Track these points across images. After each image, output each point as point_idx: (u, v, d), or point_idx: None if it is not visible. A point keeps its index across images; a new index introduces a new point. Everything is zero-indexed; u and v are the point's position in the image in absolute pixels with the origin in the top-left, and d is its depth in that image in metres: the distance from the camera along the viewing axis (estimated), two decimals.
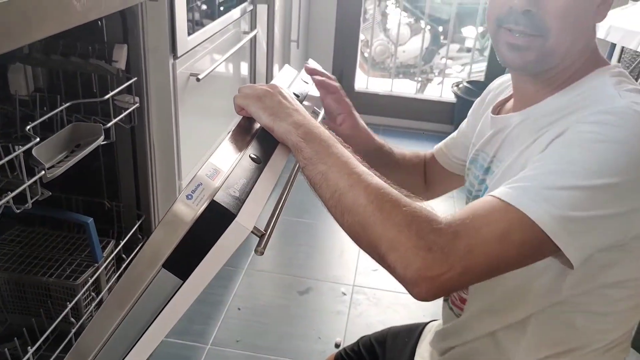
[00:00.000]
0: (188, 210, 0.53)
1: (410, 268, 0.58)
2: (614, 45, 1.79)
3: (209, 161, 0.59)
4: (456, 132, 1.02)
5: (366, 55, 3.83)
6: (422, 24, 3.71)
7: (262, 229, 0.59)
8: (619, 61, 1.79)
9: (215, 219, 0.53)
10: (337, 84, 0.92)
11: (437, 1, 3.86)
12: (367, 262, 2.09)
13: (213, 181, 0.56)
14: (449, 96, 3.30)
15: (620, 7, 1.68)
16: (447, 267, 0.57)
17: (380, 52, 3.96)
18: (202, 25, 1.49)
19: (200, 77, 1.40)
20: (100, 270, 1.22)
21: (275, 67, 2.28)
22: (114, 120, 1.11)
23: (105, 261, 1.24)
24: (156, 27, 1.23)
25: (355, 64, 3.34)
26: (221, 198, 0.54)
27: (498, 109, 0.88)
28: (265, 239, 0.59)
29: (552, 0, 0.69)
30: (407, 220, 0.59)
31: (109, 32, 1.20)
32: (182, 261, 0.53)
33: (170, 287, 0.53)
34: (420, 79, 3.75)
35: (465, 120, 1.00)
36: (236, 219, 0.53)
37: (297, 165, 0.70)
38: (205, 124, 1.65)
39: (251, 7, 1.91)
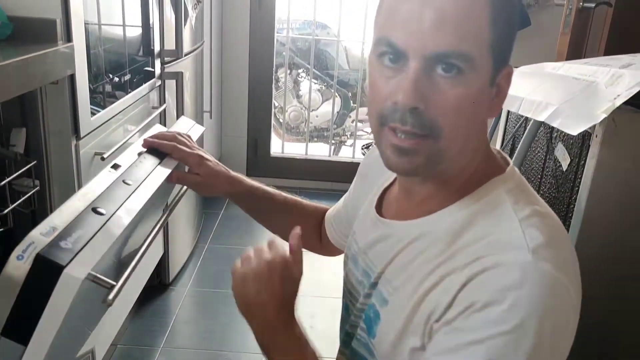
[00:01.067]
0: (18, 271, 0.51)
1: None
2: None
3: (45, 219, 0.57)
4: (342, 203, 1.01)
5: (281, 120, 3.94)
6: (332, 90, 3.88)
7: (111, 280, 0.57)
8: (506, 122, 1.95)
9: (44, 274, 0.51)
10: (170, 144, 0.93)
11: (345, 68, 4.05)
12: None
13: (46, 238, 0.54)
14: (361, 157, 3.43)
15: None
16: None
17: (295, 117, 4.08)
18: (108, 104, 1.49)
19: (105, 155, 1.39)
20: None
21: None
22: (12, 206, 1.08)
23: None
24: (57, 110, 1.23)
25: (270, 130, 3.42)
26: (48, 251, 0.52)
27: (381, 199, 0.82)
28: (115, 291, 0.57)
29: (442, 95, 0.60)
30: None
31: (5, 116, 1.19)
32: (20, 325, 0.50)
33: (13, 355, 0.50)
34: (333, 141, 3.88)
35: (349, 193, 0.99)
36: (65, 269, 0.51)
37: (161, 219, 0.74)
38: None
39: (159, 82, 1.94)
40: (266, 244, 0.72)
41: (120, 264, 0.74)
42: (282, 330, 0.71)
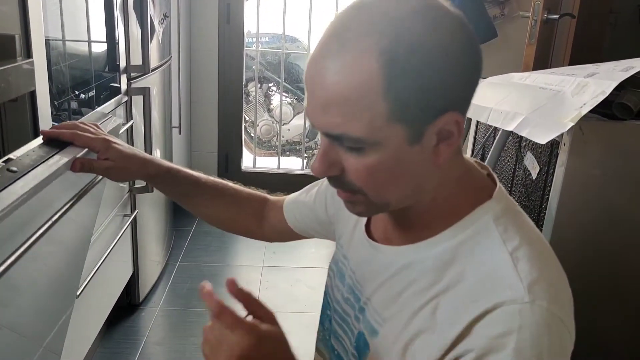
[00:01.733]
0: None
1: None
2: (469, 119, 1.97)
3: None
4: (304, 198, 0.99)
5: (252, 135, 3.91)
6: (304, 103, 3.88)
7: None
8: (475, 132, 1.97)
9: None
10: (70, 132, 0.90)
11: None
12: None
13: None
14: None
15: None
16: None
17: (266, 131, 4.06)
18: (76, 120, 1.45)
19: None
20: None
21: (157, 152, 2.26)
22: None
23: None
24: (16, 128, 1.19)
25: (241, 145, 3.39)
26: None
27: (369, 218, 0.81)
28: None
29: (352, 165, 0.62)
30: None
31: None
32: None
33: None
34: (306, 155, 3.87)
35: (316, 194, 0.97)
36: None
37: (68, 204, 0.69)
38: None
39: (126, 98, 1.90)
40: (212, 315, 0.61)
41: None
42: None
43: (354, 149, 0.61)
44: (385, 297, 0.70)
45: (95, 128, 0.94)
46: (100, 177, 0.98)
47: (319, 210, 0.95)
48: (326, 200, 0.94)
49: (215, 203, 1.01)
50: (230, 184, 1.03)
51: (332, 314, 0.84)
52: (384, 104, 0.58)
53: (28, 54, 1.20)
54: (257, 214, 1.03)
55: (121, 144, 0.93)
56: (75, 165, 0.88)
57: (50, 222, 0.86)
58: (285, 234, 1.03)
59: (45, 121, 1.27)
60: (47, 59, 1.28)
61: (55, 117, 1.33)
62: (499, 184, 0.71)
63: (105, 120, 1.04)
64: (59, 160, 0.85)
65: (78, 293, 1.45)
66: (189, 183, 0.99)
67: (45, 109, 1.28)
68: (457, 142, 0.63)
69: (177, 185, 0.99)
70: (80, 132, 0.90)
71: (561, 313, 0.62)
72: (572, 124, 1.19)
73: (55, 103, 1.32)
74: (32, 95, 1.21)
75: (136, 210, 2.00)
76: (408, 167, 0.63)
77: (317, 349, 0.93)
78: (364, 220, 0.79)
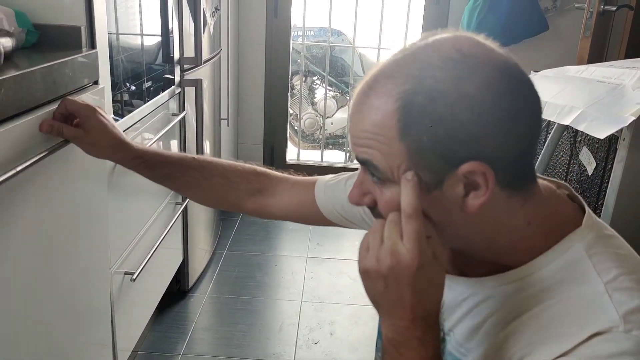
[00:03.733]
0: None
1: None
2: None
3: None
4: (344, 185, 0.98)
5: (296, 128, 3.94)
6: (348, 96, 3.88)
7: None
8: None
9: None
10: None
11: (360, 74, 4.05)
12: (307, 335, 2.07)
13: None
14: None
15: None
16: None
17: (310, 124, 4.09)
18: (127, 112, 1.50)
19: None
20: None
21: (206, 144, 2.31)
22: None
23: None
24: None
25: (286, 137, 3.42)
26: None
27: None
28: None
29: (379, 196, 0.64)
30: None
31: None
32: None
33: None
34: (349, 148, 3.87)
35: None
36: None
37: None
38: (136, 206, 1.63)
39: (179, 90, 1.95)
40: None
41: None
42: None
43: (379, 180, 0.63)
44: (466, 330, 0.70)
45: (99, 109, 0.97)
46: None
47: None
48: None
49: (201, 184, 1.01)
50: (221, 161, 1.03)
51: None
52: (402, 146, 0.59)
53: (92, 45, 1.25)
54: (253, 190, 1.01)
55: (107, 120, 0.95)
56: (42, 126, 0.90)
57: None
58: (300, 215, 1.02)
59: (107, 111, 1.32)
60: (109, 50, 1.33)
61: (113, 108, 1.37)
62: (587, 209, 0.68)
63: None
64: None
65: (134, 277, 1.50)
66: (170, 166, 1.00)
67: (108, 99, 1.32)
68: (486, 195, 0.60)
69: (154, 170, 1.00)
70: (70, 98, 0.93)
71: None
72: (633, 118, 1.16)
73: (113, 94, 1.37)
74: (96, 85, 1.25)
75: (187, 199, 2.05)
76: (431, 212, 0.62)
77: None
78: None
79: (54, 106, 1.04)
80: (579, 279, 0.61)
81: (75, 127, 0.97)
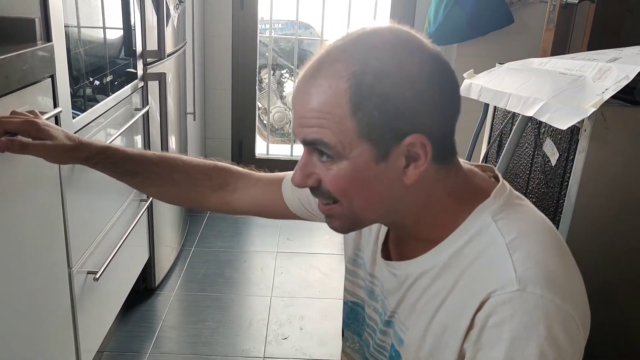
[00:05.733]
0: None
1: None
2: (487, 105, 1.95)
3: None
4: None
5: (265, 122, 3.91)
6: None
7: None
8: (493, 118, 1.95)
9: None
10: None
11: None
12: (277, 330, 2.06)
13: None
14: None
15: (488, 70, 1.84)
16: None
17: (279, 118, 4.06)
18: (89, 107, 1.46)
19: None
20: None
21: (172, 139, 2.27)
22: None
23: None
24: None
25: (255, 132, 3.39)
26: None
27: (386, 240, 0.84)
28: None
29: (325, 175, 0.68)
30: None
31: None
32: None
33: None
34: None
35: None
36: None
37: None
38: (98, 204, 1.59)
39: (142, 84, 1.90)
40: None
41: None
42: None
43: (328, 157, 0.67)
44: (406, 308, 0.76)
45: (31, 115, 0.95)
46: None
47: None
48: None
49: (163, 181, 1.00)
50: (181, 157, 1.02)
51: (360, 327, 0.89)
52: (353, 122, 0.64)
53: (48, 38, 1.21)
54: (214, 186, 1.01)
55: (52, 126, 0.93)
56: (0, 145, 0.87)
57: None
58: (264, 210, 1.03)
59: (65, 106, 1.28)
60: (66, 43, 1.28)
61: (73, 104, 1.33)
62: (501, 181, 0.75)
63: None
64: None
65: (97, 277, 1.46)
66: (131, 162, 0.98)
67: (65, 94, 1.28)
68: (425, 165, 0.67)
69: (116, 166, 0.98)
70: (3, 118, 0.90)
71: (562, 301, 0.62)
72: (593, 109, 1.17)
73: (72, 89, 1.32)
74: (52, 79, 1.21)
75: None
76: (376, 184, 0.68)
77: (349, 356, 0.95)
78: (381, 242, 0.83)
79: (6, 102, 1.01)
80: (486, 243, 0.68)
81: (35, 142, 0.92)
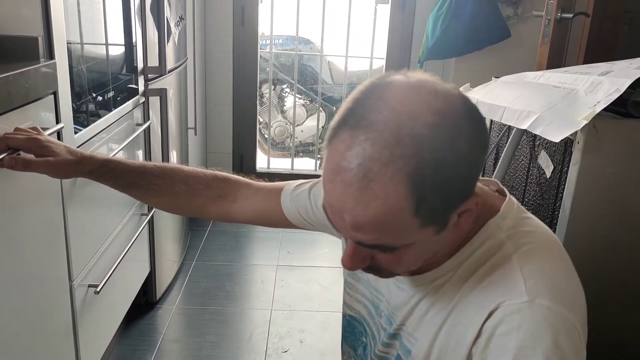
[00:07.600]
0: None
1: None
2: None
3: None
4: (308, 201, 0.99)
5: (266, 136, 3.94)
6: (317, 104, 3.89)
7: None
8: (489, 131, 1.97)
9: None
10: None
11: (329, 82, 4.08)
12: (277, 343, 2.06)
13: None
14: None
15: (484, 84, 1.87)
16: None
17: (280, 132, 4.09)
18: (91, 122, 1.48)
19: None
20: None
21: (173, 153, 2.29)
22: None
23: None
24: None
25: (255, 146, 3.42)
26: None
27: None
28: None
29: (383, 259, 0.67)
30: None
31: None
32: None
33: None
34: (319, 156, 3.88)
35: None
36: None
37: None
38: (99, 218, 1.61)
39: (143, 99, 1.93)
40: None
41: None
42: None
43: (388, 249, 0.65)
44: (415, 321, 0.76)
45: (34, 132, 0.97)
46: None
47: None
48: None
49: (164, 192, 1.02)
50: (182, 167, 1.04)
51: (363, 339, 0.90)
52: (415, 220, 0.61)
53: (50, 55, 1.24)
54: (214, 196, 1.02)
55: (54, 142, 0.95)
56: (4, 162, 0.90)
57: None
58: (263, 219, 1.04)
59: (67, 122, 1.30)
60: (68, 61, 1.31)
61: (75, 119, 1.36)
62: (508, 196, 0.76)
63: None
64: None
65: (98, 290, 1.48)
66: (133, 174, 1.01)
67: (67, 110, 1.31)
68: (471, 219, 0.67)
69: (118, 179, 1.00)
70: (7, 135, 0.93)
71: (568, 313, 0.64)
72: (585, 122, 1.19)
73: (75, 105, 1.35)
74: (55, 96, 1.24)
75: (153, 210, 2.03)
76: (435, 246, 0.68)
77: None
78: None
79: (9, 118, 1.03)
80: (497, 256, 0.69)
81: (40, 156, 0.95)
